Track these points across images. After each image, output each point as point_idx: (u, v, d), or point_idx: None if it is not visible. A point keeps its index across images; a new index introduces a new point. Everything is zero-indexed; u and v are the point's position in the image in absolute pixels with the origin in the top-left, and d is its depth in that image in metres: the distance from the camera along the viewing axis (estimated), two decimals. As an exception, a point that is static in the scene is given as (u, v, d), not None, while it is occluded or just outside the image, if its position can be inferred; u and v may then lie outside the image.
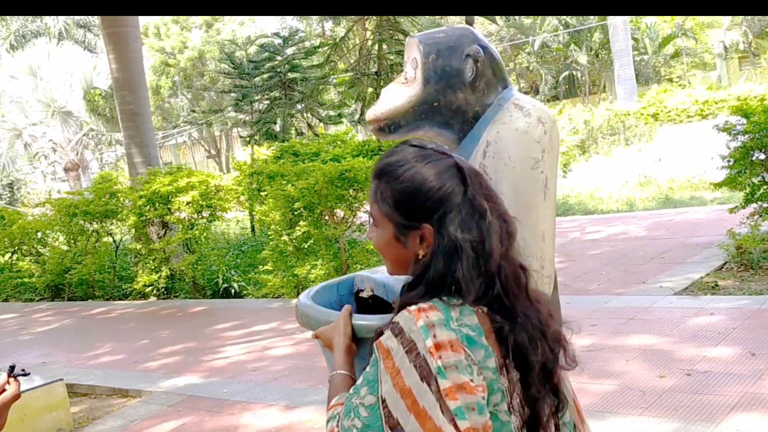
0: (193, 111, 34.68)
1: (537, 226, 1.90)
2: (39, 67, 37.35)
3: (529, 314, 1.34)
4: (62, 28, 33.15)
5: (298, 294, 9.36)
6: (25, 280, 12.61)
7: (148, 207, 10.40)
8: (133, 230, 11.02)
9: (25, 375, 1.45)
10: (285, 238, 9.26)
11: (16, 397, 1.39)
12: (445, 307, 1.29)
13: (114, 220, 11.42)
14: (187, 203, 10.13)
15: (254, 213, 12.23)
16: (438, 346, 1.23)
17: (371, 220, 1.45)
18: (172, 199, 10.22)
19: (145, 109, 12.62)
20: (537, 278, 1.68)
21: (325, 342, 1.64)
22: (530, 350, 1.32)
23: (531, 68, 38.47)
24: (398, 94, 2.01)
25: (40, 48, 34.77)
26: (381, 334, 1.31)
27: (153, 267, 10.71)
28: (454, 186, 1.34)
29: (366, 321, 1.60)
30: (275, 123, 18.00)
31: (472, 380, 1.24)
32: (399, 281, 1.46)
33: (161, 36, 37.05)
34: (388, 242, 1.41)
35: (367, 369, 1.32)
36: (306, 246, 9.29)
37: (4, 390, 1.38)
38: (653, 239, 9.53)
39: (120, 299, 11.25)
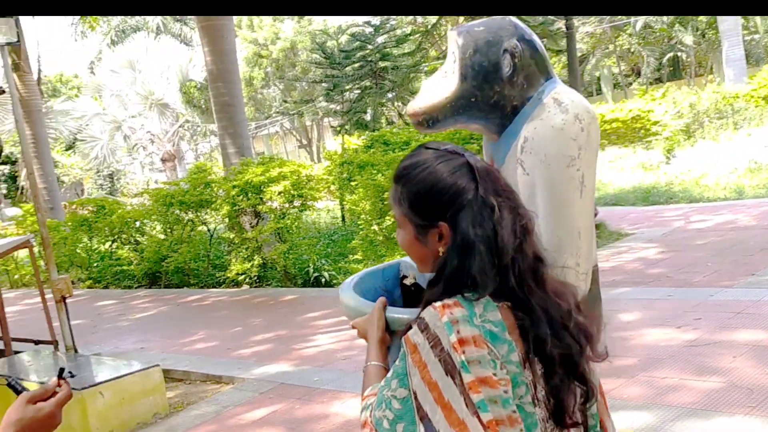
0: (285, 101, 35.41)
1: (572, 224, 1.92)
2: (138, 61, 38.97)
3: (547, 307, 1.37)
4: (160, 23, 34.43)
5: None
6: (124, 267, 13.21)
7: (240, 197, 10.69)
8: (227, 220, 11.35)
9: (72, 377, 1.59)
10: (375, 227, 9.32)
11: (69, 397, 1.53)
12: (469, 303, 1.34)
13: (208, 210, 11.80)
14: (279, 193, 10.34)
15: (344, 202, 12.37)
16: (461, 342, 1.29)
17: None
18: (264, 189, 10.46)
19: (239, 100, 12.94)
20: (573, 275, 1.84)
21: (360, 333, 1.69)
22: (549, 342, 1.35)
23: (632, 50, 37.21)
24: (437, 89, 2.05)
25: (138, 43, 36.31)
26: (410, 328, 1.37)
27: (246, 256, 11.01)
28: (465, 184, 1.39)
29: (399, 314, 1.63)
30: (366, 112, 18.14)
31: (495, 374, 1.29)
32: None
33: (254, 28, 37.94)
34: (411, 242, 1.48)
35: (397, 362, 1.38)
36: (395, 236, 9.34)
37: (55, 393, 1.50)
38: (764, 229, 9.06)
39: (214, 287, 11.63)
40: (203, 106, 35.35)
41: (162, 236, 12.79)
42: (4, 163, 32.09)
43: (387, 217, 9.17)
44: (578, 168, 1.91)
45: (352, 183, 10.87)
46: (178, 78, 38.12)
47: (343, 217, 14.66)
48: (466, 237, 1.36)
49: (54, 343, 7.61)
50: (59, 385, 1.52)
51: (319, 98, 23.37)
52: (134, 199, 16.01)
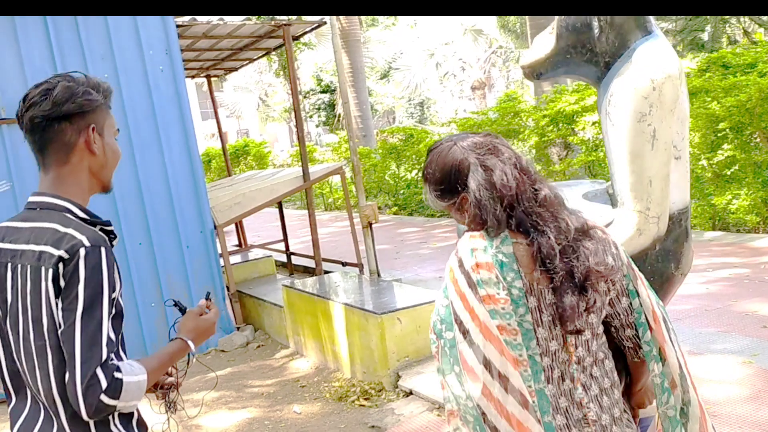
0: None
1: (643, 173, 2.29)
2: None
3: (557, 227, 1.80)
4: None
5: (714, 226, 8.74)
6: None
7: (551, 127, 10.52)
8: (534, 151, 11.27)
9: (208, 299, 2.08)
10: (703, 162, 8.60)
11: (217, 314, 2.05)
12: (490, 237, 1.81)
13: (516, 140, 11.82)
14: (593, 123, 9.98)
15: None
16: (478, 266, 1.79)
17: None
18: (577, 119, 10.16)
19: (554, 21, 12.63)
20: (643, 218, 2.30)
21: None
22: (554, 254, 1.77)
23: None
24: (541, 46, 2.50)
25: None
26: None
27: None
28: (465, 157, 1.85)
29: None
30: (703, 30, 16.64)
31: (497, 293, 1.77)
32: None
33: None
34: (455, 215, 1.97)
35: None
36: (728, 173, 8.51)
37: (204, 312, 2.03)
38: None
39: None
40: (518, 30, 35.20)
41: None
42: (323, 91, 35.22)
43: (719, 151, 8.39)
44: (650, 123, 2.25)
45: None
46: (493, 2, 38.13)
47: (665, 151, 13.77)
48: (475, 194, 1.82)
49: (359, 266, 8.28)
50: (208, 307, 2.04)
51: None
52: (442, 129, 16.61)
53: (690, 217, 2.43)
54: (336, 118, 33.56)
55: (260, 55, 9.96)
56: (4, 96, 6.41)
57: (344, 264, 8.55)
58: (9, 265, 1.76)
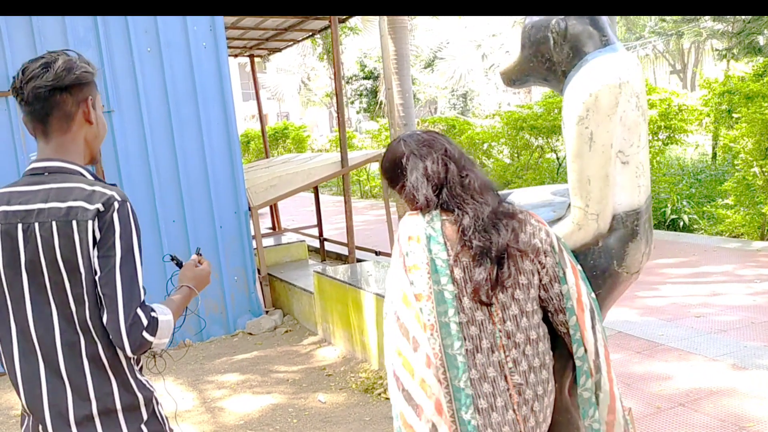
0: (663, 20, 33.17)
1: (583, 172, 2.49)
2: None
3: (475, 207, 2.09)
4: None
5: (762, 236, 8.51)
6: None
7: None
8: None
9: (199, 254, 2.32)
10: (755, 170, 8.36)
11: (209, 266, 2.29)
12: (422, 216, 2.12)
13: (559, 136, 11.63)
14: (643, 122, 9.75)
15: (719, 138, 11.29)
16: (409, 238, 2.08)
17: None
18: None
19: (613, 18, 12.37)
20: (582, 214, 2.49)
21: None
22: (470, 230, 2.06)
23: None
24: (512, 55, 2.78)
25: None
26: None
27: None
28: (402, 151, 2.22)
29: None
30: (761, 34, 16.21)
31: (420, 262, 2.05)
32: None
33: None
34: (402, 199, 2.26)
35: None
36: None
37: (197, 265, 2.24)
38: None
39: (558, 220, 11.52)
40: (567, 25, 34.70)
41: (508, 161, 12.97)
42: (366, 78, 35.14)
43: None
44: (587, 126, 2.44)
45: (733, 116, 9.83)
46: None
47: (714, 154, 13.46)
48: (410, 179, 2.17)
49: (394, 255, 8.18)
50: (200, 262, 2.26)
51: (706, 18, 21.43)
52: (485, 121, 16.44)
53: (642, 221, 2.58)
54: (377, 105, 33.45)
55: (305, 36, 9.90)
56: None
57: (378, 253, 8.48)
58: (20, 225, 1.86)
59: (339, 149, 8.38)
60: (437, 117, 21.12)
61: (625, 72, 2.48)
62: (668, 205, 9.87)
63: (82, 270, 1.83)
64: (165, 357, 2.75)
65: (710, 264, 7.55)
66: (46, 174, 1.92)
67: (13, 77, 1.95)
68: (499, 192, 2.23)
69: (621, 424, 2.24)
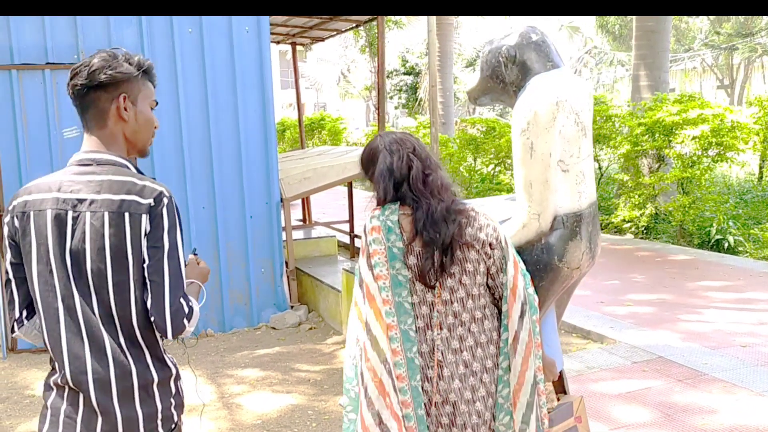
0: (717, 32, 32.53)
1: (525, 177, 2.87)
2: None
3: (430, 203, 2.37)
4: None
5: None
6: (504, 194, 13.43)
7: (645, 136, 10.01)
8: (623, 159, 10.78)
9: (195, 254, 2.42)
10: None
11: (207, 266, 2.41)
12: (384, 209, 2.42)
13: (604, 146, 11.33)
14: (694, 138, 9.45)
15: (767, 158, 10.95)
16: (372, 229, 2.41)
17: None
18: (676, 131, 9.63)
19: (664, 26, 12.04)
20: (525, 213, 2.89)
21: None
22: (430, 226, 2.34)
23: None
24: (474, 78, 3.23)
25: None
26: None
27: (637, 203, 10.39)
28: (377, 145, 2.49)
29: None
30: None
31: (380, 249, 2.39)
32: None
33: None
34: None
35: None
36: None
37: (199, 263, 2.37)
38: None
39: (596, 231, 11.25)
40: (617, 32, 34.23)
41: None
42: (407, 73, 34.89)
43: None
44: (528, 137, 2.82)
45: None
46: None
47: (761, 175, 13.06)
48: (376, 173, 2.44)
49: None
50: (198, 262, 2.36)
51: (763, 33, 20.89)
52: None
53: (584, 223, 2.93)
54: (417, 102, 33.22)
55: (349, 27, 9.72)
56: (86, 40, 6.33)
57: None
58: (70, 212, 2.02)
59: (377, 145, 8.17)
60: (477, 117, 20.84)
61: (564, 92, 2.84)
62: (713, 224, 9.56)
63: (130, 258, 2.00)
64: (185, 344, 3.33)
65: (757, 290, 7.26)
66: (95, 165, 2.08)
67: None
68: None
69: (526, 395, 2.44)
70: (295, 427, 4.62)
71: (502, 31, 3.45)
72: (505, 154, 13.33)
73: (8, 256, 2.13)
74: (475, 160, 14.88)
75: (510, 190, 13.49)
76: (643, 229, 10.40)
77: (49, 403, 2.11)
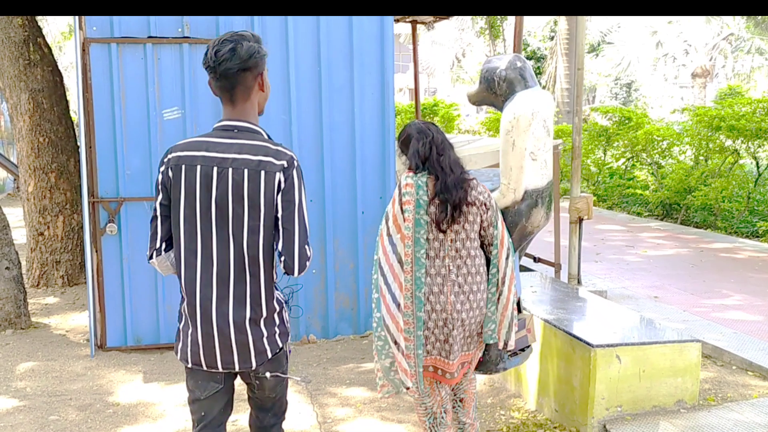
0: None
1: (507, 163, 3.98)
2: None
3: (446, 171, 3.37)
4: None
5: None
6: (638, 191, 12.39)
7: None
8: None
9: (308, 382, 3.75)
10: None
11: None
12: (415, 174, 3.40)
13: (764, 142, 10.10)
14: None
15: None
16: (407, 185, 3.35)
17: None
18: None
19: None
20: (505, 187, 4.01)
21: None
22: (446, 190, 3.33)
23: None
24: (474, 87, 4.39)
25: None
26: None
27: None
28: (409, 132, 3.51)
29: None
30: None
31: (411, 199, 3.33)
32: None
33: None
34: (403, 165, 3.57)
35: None
36: None
37: None
38: None
39: (747, 237, 10.09)
40: (759, 18, 31.90)
41: (691, 163, 11.55)
42: (528, 58, 33.71)
43: None
44: (511, 136, 3.95)
45: None
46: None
47: None
48: (410, 152, 3.46)
49: (556, 266, 7.18)
50: None
51: None
52: (672, 116, 14.83)
53: (543, 196, 4.11)
54: (542, 88, 32.03)
55: (475, 3, 8.92)
56: (190, 12, 5.83)
57: (537, 260, 7.48)
58: (215, 168, 2.55)
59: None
60: (610, 106, 19.58)
61: (537, 105, 3.98)
62: None
63: (262, 207, 2.55)
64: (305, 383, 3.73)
65: None
66: (236, 131, 2.62)
67: (205, 54, 2.59)
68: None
69: (508, 311, 3.51)
70: (409, 472, 3.94)
71: (498, 54, 3.88)
72: (642, 148, 12.23)
73: (160, 197, 2.66)
74: (605, 153, 13.82)
75: (646, 186, 12.45)
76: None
77: (180, 327, 2.73)
